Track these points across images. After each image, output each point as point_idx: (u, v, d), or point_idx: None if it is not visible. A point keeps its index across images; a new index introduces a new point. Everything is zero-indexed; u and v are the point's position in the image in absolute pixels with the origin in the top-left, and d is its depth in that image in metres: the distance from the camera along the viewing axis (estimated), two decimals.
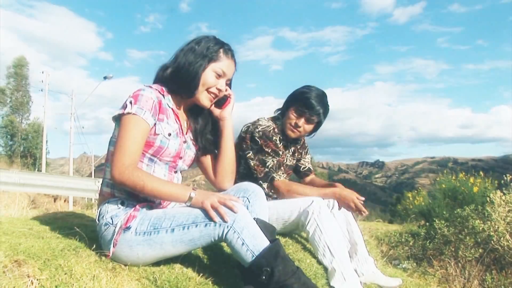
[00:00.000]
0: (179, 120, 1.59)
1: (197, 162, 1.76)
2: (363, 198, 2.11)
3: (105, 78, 20.88)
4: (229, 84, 1.65)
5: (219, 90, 1.59)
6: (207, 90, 1.56)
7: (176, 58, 1.56)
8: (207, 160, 1.74)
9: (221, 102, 1.65)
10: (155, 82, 1.61)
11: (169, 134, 1.51)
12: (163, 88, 1.56)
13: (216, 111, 1.68)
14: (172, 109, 1.57)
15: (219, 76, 1.57)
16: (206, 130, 1.69)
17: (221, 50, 1.56)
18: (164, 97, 1.54)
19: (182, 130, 1.60)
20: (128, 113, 1.43)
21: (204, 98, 1.58)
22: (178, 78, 1.54)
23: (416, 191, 7.67)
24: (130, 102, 1.44)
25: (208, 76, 1.54)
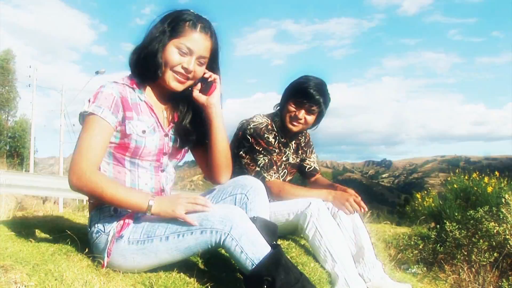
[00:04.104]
0: (154, 113, 1.52)
1: (193, 154, 1.71)
2: (358, 199, 2.09)
3: (97, 73, 20.87)
4: (209, 64, 1.53)
5: (187, 70, 1.46)
6: (171, 69, 1.46)
7: (143, 38, 1.48)
8: (201, 153, 1.67)
9: (206, 89, 1.54)
10: (131, 68, 1.52)
11: (144, 131, 1.46)
12: (134, 80, 1.49)
13: (202, 98, 1.55)
14: (145, 102, 1.50)
15: (183, 53, 1.45)
16: (186, 121, 1.58)
17: (187, 24, 1.44)
18: (134, 90, 1.48)
19: (160, 123, 1.53)
20: (85, 112, 1.39)
21: (169, 79, 1.47)
22: (141, 60, 1.46)
23: (425, 192, 7.64)
24: (89, 101, 1.40)
25: (170, 52, 1.43)
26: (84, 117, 1.41)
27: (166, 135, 1.55)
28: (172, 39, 1.44)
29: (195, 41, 1.44)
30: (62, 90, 22.83)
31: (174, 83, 1.48)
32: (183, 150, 1.63)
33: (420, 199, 7.44)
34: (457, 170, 6.80)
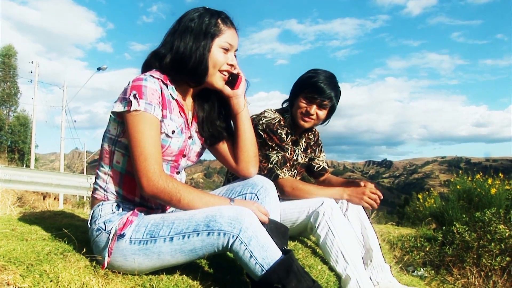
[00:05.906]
0: (184, 113, 1.48)
1: (213, 152, 1.66)
2: (378, 193, 2.06)
3: (98, 69, 20.83)
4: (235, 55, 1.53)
5: (231, 66, 1.47)
6: (219, 70, 1.45)
7: (172, 44, 1.42)
8: (224, 147, 1.62)
9: (232, 83, 1.54)
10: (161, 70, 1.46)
11: (173, 132, 1.41)
12: (167, 77, 1.43)
13: (227, 89, 1.54)
14: (176, 100, 1.45)
15: (226, 50, 1.45)
16: (212, 116, 1.57)
17: (220, 21, 1.43)
18: (167, 87, 1.42)
19: (188, 124, 1.49)
20: (136, 110, 1.31)
21: (218, 80, 1.47)
22: (183, 66, 1.40)
23: (427, 192, 7.60)
24: (135, 96, 1.31)
25: (216, 54, 1.42)
26: (127, 114, 1.32)
27: (190, 136, 1.51)
28: (215, 39, 1.42)
29: (232, 35, 1.46)
30: (64, 86, 22.79)
31: (221, 82, 1.49)
32: (199, 152, 1.59)
33: (421, 200, 7.40)
34: (460, 171, 6.75)
